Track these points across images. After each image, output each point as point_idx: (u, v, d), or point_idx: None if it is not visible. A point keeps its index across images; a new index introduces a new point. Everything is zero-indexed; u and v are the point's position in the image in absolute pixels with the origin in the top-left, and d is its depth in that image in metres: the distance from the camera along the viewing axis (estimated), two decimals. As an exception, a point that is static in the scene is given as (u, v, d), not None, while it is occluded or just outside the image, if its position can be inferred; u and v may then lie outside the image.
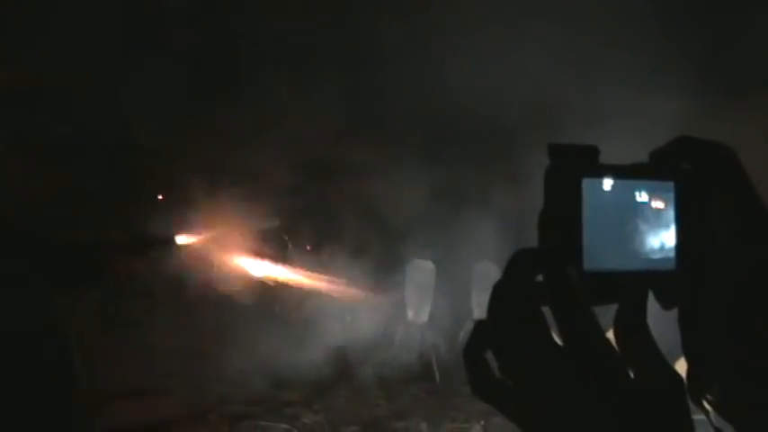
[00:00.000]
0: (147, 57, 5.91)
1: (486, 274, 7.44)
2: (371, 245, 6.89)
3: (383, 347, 6.68)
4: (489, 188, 6.49)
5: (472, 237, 7.08)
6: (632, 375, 0.49)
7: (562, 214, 0.51)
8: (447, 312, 7.12)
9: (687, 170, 0.54)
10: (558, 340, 0.49)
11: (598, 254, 0.52)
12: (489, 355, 0.53)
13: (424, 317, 7.00)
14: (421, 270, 7.11)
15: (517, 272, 0.51)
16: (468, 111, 6.12)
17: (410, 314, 6.97)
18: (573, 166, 0.52)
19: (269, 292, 7.21)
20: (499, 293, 0.52)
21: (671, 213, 0.54)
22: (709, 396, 0.54)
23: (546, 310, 0.50)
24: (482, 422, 5.56)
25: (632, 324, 0.53)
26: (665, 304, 0.55)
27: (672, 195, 0.54)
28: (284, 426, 5.35)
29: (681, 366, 0.55)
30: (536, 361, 0.49)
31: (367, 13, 5.80)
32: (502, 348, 0.51)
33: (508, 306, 0.51)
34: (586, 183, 0.52)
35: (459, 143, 6.20)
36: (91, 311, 6.15)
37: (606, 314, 0.53)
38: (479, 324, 0.53)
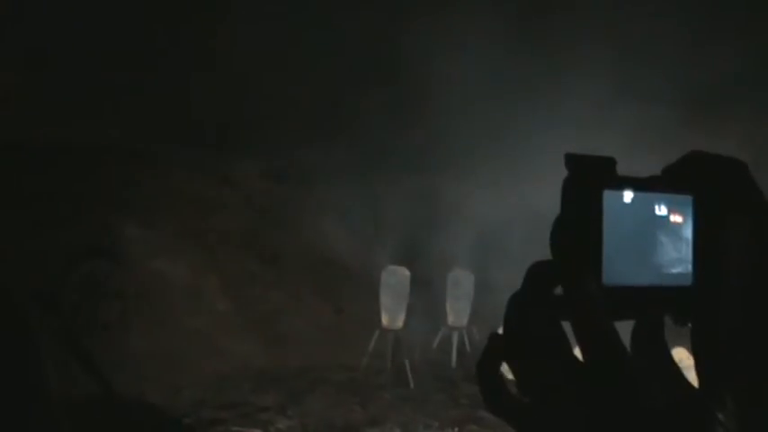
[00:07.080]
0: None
1: (459, 281, 7.44)
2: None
3: (358, 353, 6.66)
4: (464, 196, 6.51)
5: (447, 243, 7.10)
6: (651, 392, 0.48)
7: (582, 226, 0.50)
8: (421, 319, 7.11)
9: (705, 185, 0.54)
10: (578, 356, 0.48)
11: (617, 268, 0.51)
12: (502, 369, 0.52)
13: (399, 323, 6.97)
14: (396, 276, 7.08)
15: (535, 284, 0.50)
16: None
17: (384, 320, 6.94)
18: (594, 177, 0.51)
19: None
20: (517, 306, 0.50)
21: (689, 228, 0.54)
22: (721, 416, 0.53)
23: (565, 324, 0.49)
24: (456, 429, 5.56)
25: (650, 340, 0.52)
26: (679, 321, 0.54)
27: (690, 210, 0.54)
28: (258, 431, 5.30)
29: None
30: (556, 377, 0.48)
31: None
32: (521, 364, 0.50)
33: (527, 320, 0.50)
34: (607, 195, 0.51)
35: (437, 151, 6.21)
36: (62, 315, 6.05)
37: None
38: (494, 337, 0.52)
